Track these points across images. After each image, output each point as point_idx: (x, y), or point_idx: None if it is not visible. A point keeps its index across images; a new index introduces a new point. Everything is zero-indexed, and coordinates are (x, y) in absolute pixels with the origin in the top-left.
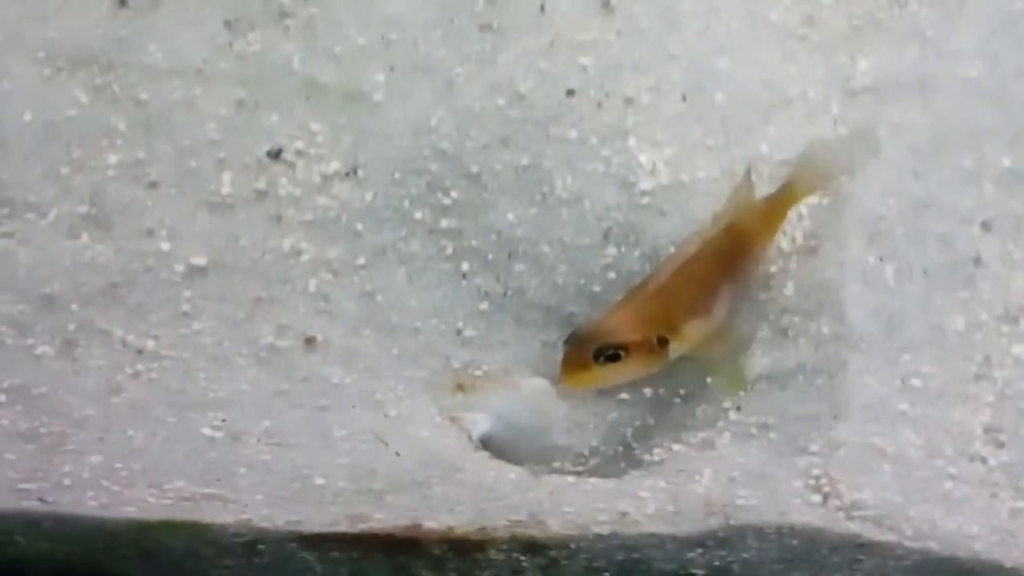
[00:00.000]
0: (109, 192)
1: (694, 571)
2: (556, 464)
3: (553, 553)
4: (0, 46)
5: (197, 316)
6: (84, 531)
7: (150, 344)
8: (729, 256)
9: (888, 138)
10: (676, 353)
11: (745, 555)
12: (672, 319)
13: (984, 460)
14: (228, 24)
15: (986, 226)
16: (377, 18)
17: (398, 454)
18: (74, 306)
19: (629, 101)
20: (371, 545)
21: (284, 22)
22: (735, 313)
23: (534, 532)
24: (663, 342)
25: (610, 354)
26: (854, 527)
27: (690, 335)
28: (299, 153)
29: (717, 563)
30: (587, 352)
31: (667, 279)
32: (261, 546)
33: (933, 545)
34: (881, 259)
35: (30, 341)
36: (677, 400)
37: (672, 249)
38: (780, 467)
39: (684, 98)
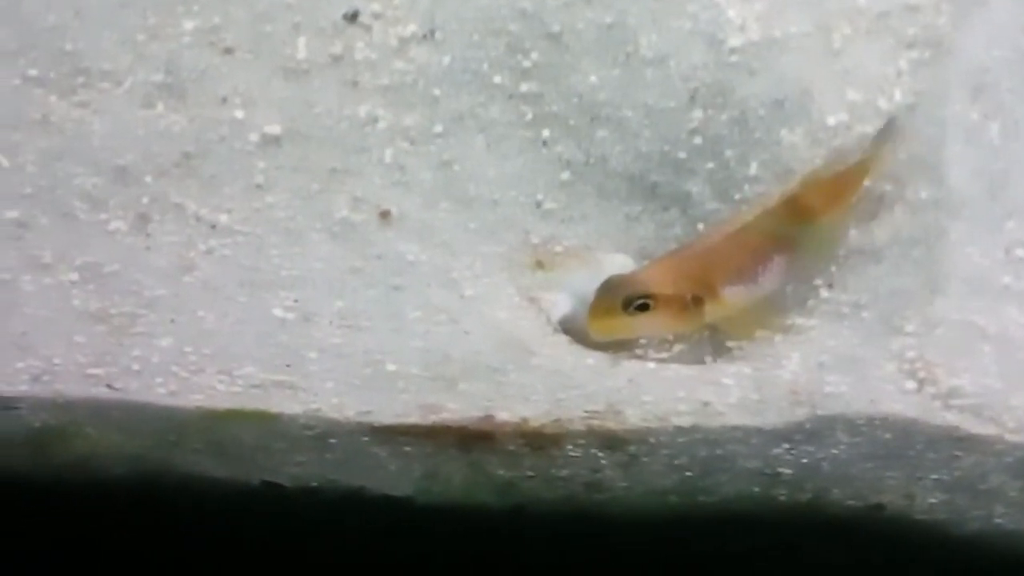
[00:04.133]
0: (184, 59)
1: (781, 470)
2: (638, 350)
3: (632, 449)
4: None
5: (271, 188)
6: (153, 420)
7: (223, 218)
8: (787, 229)
9: None
10: (712, 316)
11: (835, 451)
12: (711, 280)
13: None
14: None
15: None
16: None
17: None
18: (148, 178)
19: None
20: (444, 439)
21: None
22: (783, 289)
23: (611, 424)
24: (698, 301)
25: (639, 304)
26: (951, 418)
27: (729, 301)
28: (376, 15)
29: (805, 460)
30: (617, 300)
31: (716, 240)
32: (332, 440)
33: None
34: (985, 116)
35: (103, 216)
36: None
37: (762, 112)
38: (872, 349)
39: None
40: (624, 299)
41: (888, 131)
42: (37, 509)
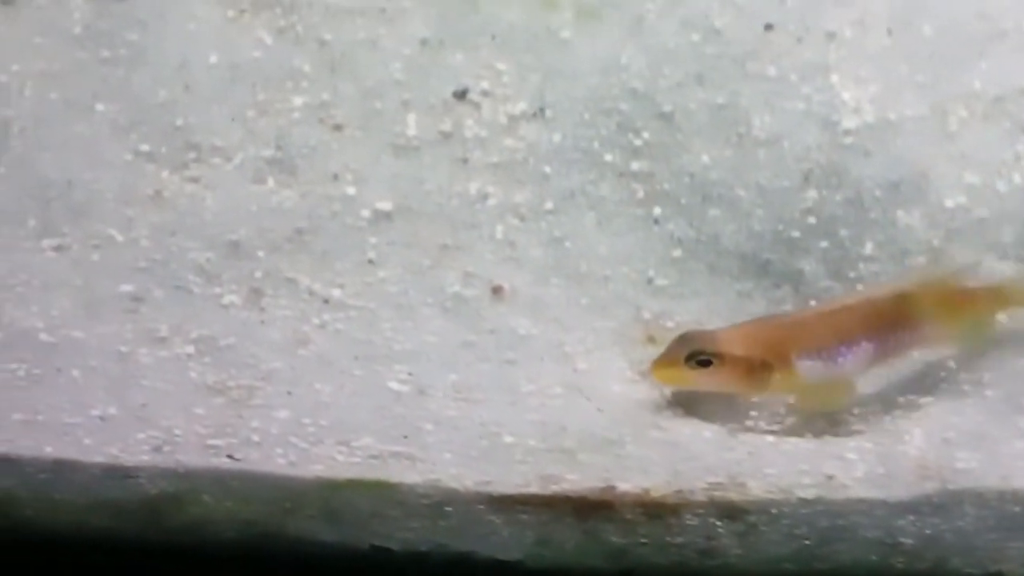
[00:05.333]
0: (294, 135)
1: (902, 540)
2: (749, 423)
3: (752, 519)
4: None
5: (383, 263)
6: (271, 490)
7: (336, 293)
8: (886, 323)
9: None
10: (780, 386)
11: (960, 523)
12: (786, 351)
13: None
14: None
15: None
16: None
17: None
18: (260, 253)
19: (831, 36)
20: (562, 508)
21: None
22: (861, 375)
23: (733, 495)
24: (766, 367)
25: (701, 359)
26: None
27: (801, 374)
28: (485, 93)
29: (928, 531)
30: (682, 352)
31: (807, 315)
32: (448, 508)
33: None
34: None
35: (217, 290)
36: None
37: (877, 192)
38: (999, 427)
39: (890, 32)
40: (689, 352)
41: None
42: (149, 571)
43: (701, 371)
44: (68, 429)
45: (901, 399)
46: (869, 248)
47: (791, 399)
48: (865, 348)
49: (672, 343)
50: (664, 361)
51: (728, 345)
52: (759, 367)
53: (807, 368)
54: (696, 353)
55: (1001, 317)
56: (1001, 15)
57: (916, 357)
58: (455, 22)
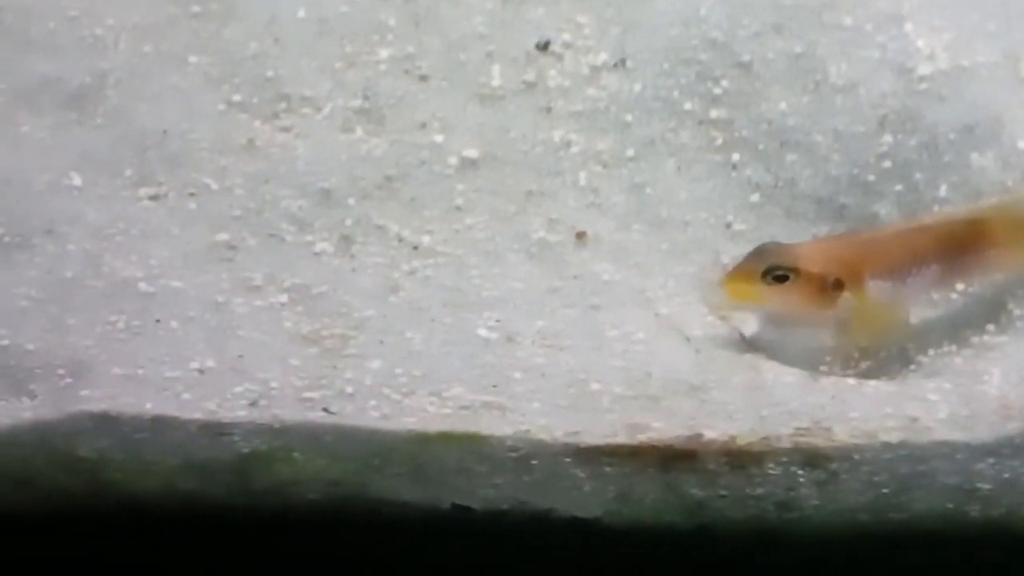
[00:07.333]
0: (381, 86)
1: (980, 485)
2: (824, 367)
3: (834, 466)
4: None
5: (470, 210)
6: (363, 444)
7: (425, 240)
8: (957, 246)
9: None
10: (846, 305)
11: None
12: (860, 269)
13: None
14: None
15: None
16: None
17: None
18: (351, 200)
19: None
20: (647, 458)
21: None
22: (925, 301)
23: (819, 441)
24: (839, 285)
25: (777, 274)
26: None
27: (871, 293)
28: (567, 45)
29: (1007, 475)
30: (759, 266)
31: (882, 235)
32: (534, 461)
33: None
34: None
35: (309, 238)
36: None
37: (951, 136)
38: None
39: None
40: (767, 267)
41: None
42: (228, 537)
43: (776, 287)
44: (168, 384)
45: (975, 339)
46: (943, 191)
47: (846, 327)
48: (935, 270)
49: (748, 256)
50: (739, 274)
51: (807, 262)
52: (833, 285)
53: (878, 288)
54: (774, 268)
55: None
56: None
57: (984, 287)
58: None
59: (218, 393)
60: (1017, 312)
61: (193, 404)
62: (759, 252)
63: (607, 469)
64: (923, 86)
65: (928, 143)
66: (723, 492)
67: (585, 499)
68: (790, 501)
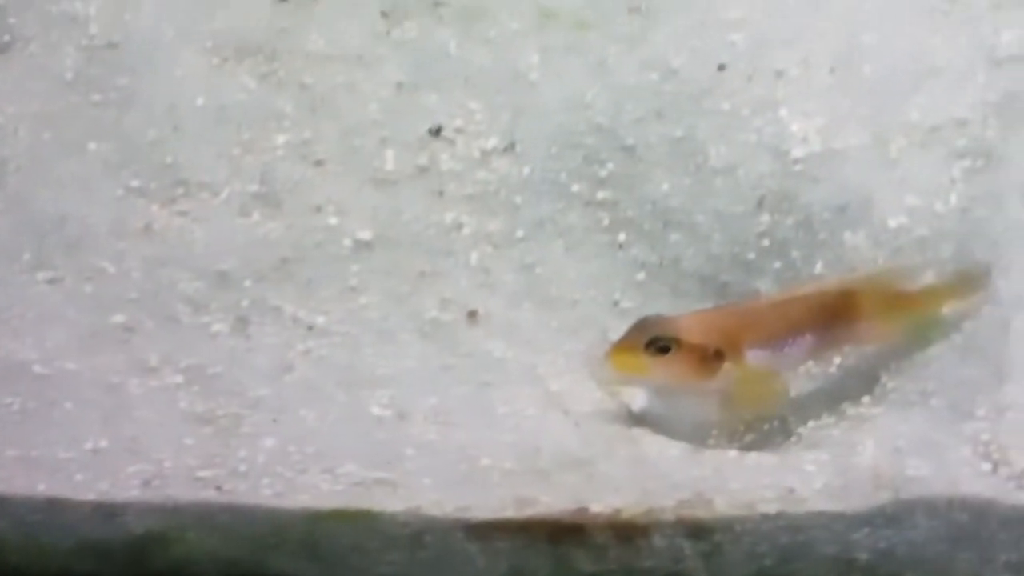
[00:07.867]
0: (278, 171)
1: (857, 555)
2: (711, 441)
3: (717, 537)
4: (172, 38)
5: (364, 290)
6: (257, 523)
7: (320, 320)
8: (829, 316)
9: None
10: (726, 377)
11: (911, 534)
12: (739, 339)
13: None
14: (384, 14)
15: None
16: (528, 4)
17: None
18: (247, 282)
19: (779, 74)
20: (537, 532)
21: (438, 11)
22: (804, 372)
23: (701, 513)
24: (719, 356)
25: (660, 346)
26: None
27: (750, 363)
28: (458, 130)
29: (882, 545)
30: (641, 338)
31: (758, 305)
32: (427, 537)
33: None
34: None
35: (206, 319)
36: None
37: (826, 215)
38: (946, 434)
39: (832, 70)
40: (649, 338)
41: (975, 274)
42: None
43: (659, 358)
44: (61, 465)
45: (852, 411)
46: (819, 267)
47: (729, 398)
48: (809, 340)
49: (630, 329)
50: (622, 347)
51: (687, 332)
52: (713, 356)
53: (756, 358)
54: (656, 340)
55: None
56: (933, 54)
57: (860, 361)
58: (428, 66)
59: (111, 474)
60: (890, 384)
61: (86, 485)
62: (641, 324)
63: (499, 544)
64: (798, 168)
65: (804, 222)
66: (612, 566)
67: (478, 574)
68: (679, 573)
